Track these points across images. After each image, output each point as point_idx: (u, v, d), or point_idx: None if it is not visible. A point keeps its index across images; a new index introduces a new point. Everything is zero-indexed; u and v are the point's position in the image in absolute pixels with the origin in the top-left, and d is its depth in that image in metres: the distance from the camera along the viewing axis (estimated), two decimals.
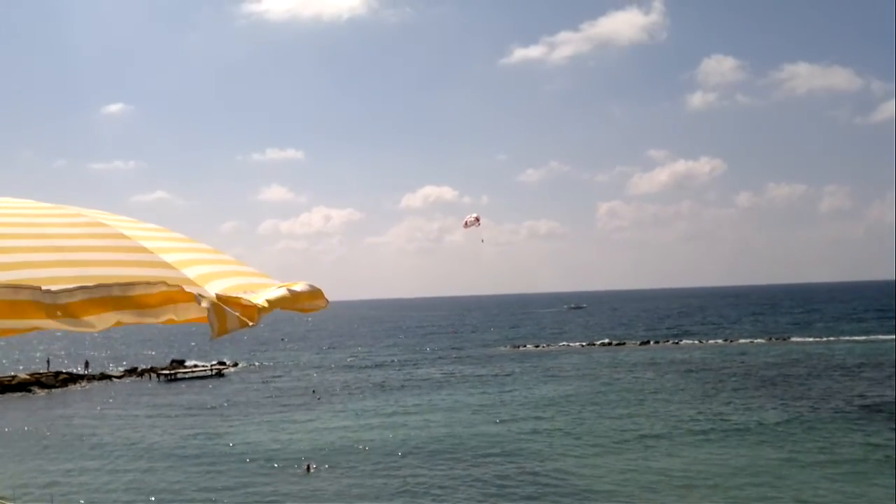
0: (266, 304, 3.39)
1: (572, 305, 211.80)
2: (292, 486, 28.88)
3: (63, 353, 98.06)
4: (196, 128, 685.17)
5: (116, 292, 2.87)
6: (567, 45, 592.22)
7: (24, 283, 2.79)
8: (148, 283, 2.95)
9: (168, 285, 2.98)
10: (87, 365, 74.91)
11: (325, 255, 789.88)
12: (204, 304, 2.98)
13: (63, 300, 2.72)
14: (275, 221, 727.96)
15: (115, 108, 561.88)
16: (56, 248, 3.41)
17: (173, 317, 3.22)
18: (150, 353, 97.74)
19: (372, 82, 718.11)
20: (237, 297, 3.27)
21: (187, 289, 3.00)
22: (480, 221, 34.84)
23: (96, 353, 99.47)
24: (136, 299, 2.94)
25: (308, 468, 31.38)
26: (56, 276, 3.07)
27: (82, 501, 27.62)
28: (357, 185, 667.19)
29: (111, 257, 3.47)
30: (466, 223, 35.16)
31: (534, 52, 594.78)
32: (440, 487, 27.92)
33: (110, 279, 3.01)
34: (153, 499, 27.94)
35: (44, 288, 2.70)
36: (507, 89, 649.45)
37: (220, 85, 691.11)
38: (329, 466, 31.55)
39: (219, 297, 3.14)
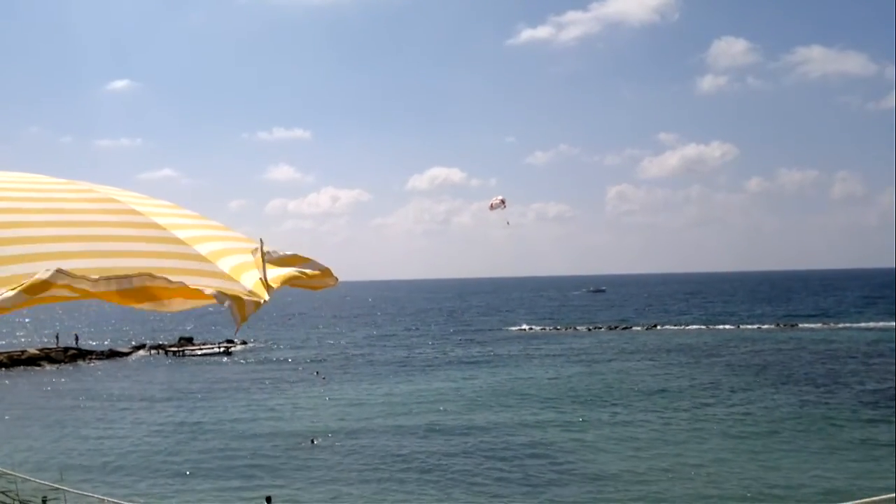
0: (277, 280, 3.40)
1: (592, 289, 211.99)
2: (297, 461, 29.15)
3: (70, 329, 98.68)
4: (202, 106, 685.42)
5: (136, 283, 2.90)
6: (576, 25, 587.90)
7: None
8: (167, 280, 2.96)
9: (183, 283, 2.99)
10: (76, 339, 76.15)
11: (332, 235, 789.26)
12: (226, 303, 2.99)
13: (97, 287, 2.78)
14: (282, 201, 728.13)
15: (121, 84, 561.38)
16: (70, 223, 3.42)
17: (186, 307, 3.25)
18: (158, 329, 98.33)
19: (378, 62, 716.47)
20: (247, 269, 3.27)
21: (207, 291, 3.00)
22: (506, 204, 34.59)
23: (104, 329, 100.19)
24: (153, 291, 2.96)
25: (312, 441, 32.24)
26: (70, 251, 3.08)
27: (87, 475, 27.89)
28: (365, 165, 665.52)
29: (124, 233, 3.48)
30: (492, 205, 34.96)
31: (541, 32, 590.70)
32: (439, 467, 28.05)
33: (123, 254, 3.01)
34: (158, 474, 28.18)
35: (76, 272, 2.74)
36: (515, 70, 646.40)
37: (226, 63, 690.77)
38: (333, 444, 31.82)
39: (230, 273, 3.15)
